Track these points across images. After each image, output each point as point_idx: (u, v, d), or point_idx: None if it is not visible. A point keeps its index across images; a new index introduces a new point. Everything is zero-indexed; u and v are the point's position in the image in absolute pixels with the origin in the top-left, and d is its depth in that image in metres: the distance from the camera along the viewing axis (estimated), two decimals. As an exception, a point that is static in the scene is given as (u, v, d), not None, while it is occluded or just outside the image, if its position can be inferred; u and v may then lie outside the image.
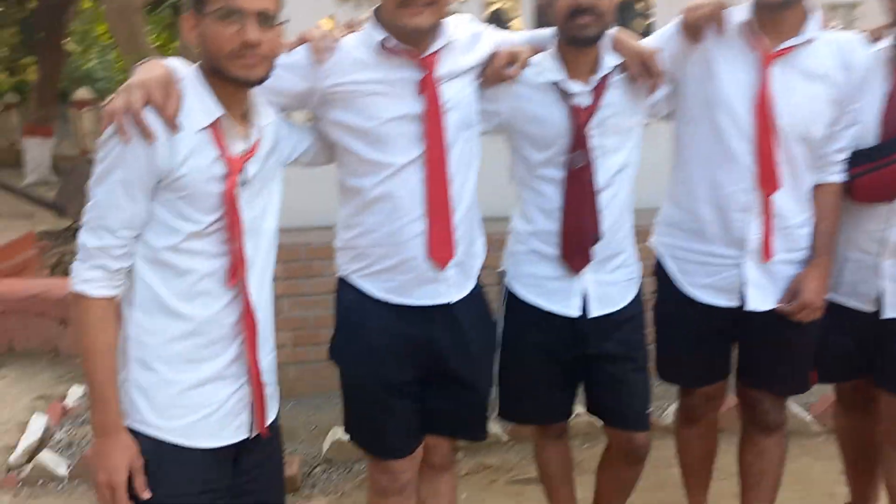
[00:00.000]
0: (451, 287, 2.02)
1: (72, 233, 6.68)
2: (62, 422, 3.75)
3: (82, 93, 13.17)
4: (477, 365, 2.11)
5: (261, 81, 1.65)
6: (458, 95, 1.99)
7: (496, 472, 3.22)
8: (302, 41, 1.94)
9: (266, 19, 1.60)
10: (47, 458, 3.37)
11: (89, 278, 1.58)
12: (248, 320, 1.68)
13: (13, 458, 3.43)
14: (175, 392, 1.64)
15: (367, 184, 1.96)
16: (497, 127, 2.16)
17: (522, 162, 2.17)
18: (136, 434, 1.62)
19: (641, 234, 2.32)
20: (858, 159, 2.17)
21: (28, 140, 12.42)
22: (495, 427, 3.34)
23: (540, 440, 2.40)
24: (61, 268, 6.32)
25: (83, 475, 3.22)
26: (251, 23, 1.57)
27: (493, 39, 2.12)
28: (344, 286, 2.08)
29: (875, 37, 2.26)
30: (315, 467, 3.29)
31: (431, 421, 2.11)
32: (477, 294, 2.12)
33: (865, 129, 2.17)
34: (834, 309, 2.28)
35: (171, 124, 1.56)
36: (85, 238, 1.59)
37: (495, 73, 2.08)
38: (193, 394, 1.65)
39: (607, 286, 2.17)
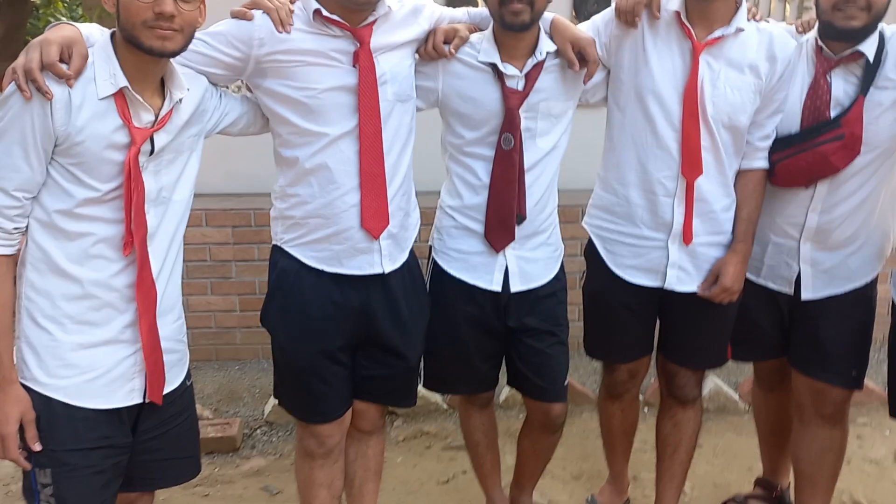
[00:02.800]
0: (384, 258, 2.07)
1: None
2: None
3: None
4: (408, 334, 2.17)
5: (175, 54, 1.66)
6: (394, 69, 2.02)
7: (433, 439, 3.31)
8: (254, 6, 1.94)
9: None
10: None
11: None
12: (144, 288, 1.70)
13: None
14: (63, 352, 1.67)
15: (301, 154, 1.99)
16: (432, 104, 2.20)
17: (453, 138, 2.21)
18: (28, 390, 1.66)
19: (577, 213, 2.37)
20: (780, 146, 2.25)
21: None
22: (435, 396, 3.43)
23: (465, 409, 2.49)
24: None
25: None
26: None
27: (434, 15, 2.15)
28: (278, 254, 2.11)
29: (803, 28, 2.33)
30: (256, 429, 3.36)
31: (361, 387, 2.18)
32: (410, 265, 2.17)
33: (789, 118, 2.24)
34: (755, 290, 2.38)
35: (68, 83, 1.56)
36: None
37: (433, 48, 2.11)
38: (82, 355, 1.68)
39: (528, 262, 2.23)
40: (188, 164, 1.80)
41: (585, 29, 2.25)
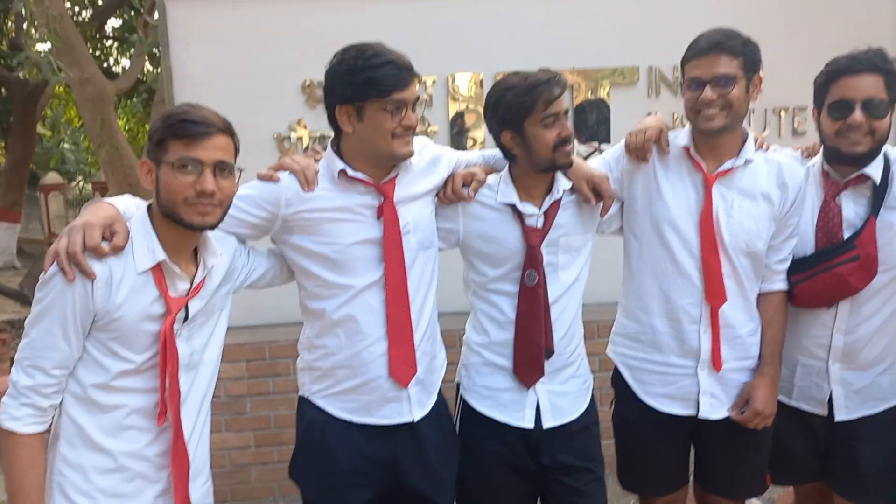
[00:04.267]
0: (413, 405, 2.06)
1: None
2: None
3: (52, 177, 13.20)
4: (438, 482, 2.12)
5: (214, 227, 1.71)
6: (417, 218, 2.07)
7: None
8: (281, 168, 2.01)
9: (222, 169, 1.67)
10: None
11: (19, 416, 1.59)
12: (177, 453, 1.69)
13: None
14: None
15: (328, 306, 2.01)
16: (453, 244, 2.24)
17: (477, 276, 2.23)
18: None
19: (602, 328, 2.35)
20: (798, 268, 2.28)
21: (-5, 225, 12.37)
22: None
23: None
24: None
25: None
26: (207, 173, 1.63)
27: (451, 161, 2.22)
28: (306, 406, 2.10)
29: (808, 153, 2.41)
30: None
31: None
32: (439, 408, 2.15)
33: (804, 240, 2.29)
34: (788, 412, 2.35)
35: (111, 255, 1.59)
36: (17, 376, 1.60)
37: (453, 193, 2.17)
38: None
39: (559, 397, 2.21)
40: (218, 323, 1.82)
41: (597, 165, 2.32)
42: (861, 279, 2.21)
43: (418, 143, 2.12)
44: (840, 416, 2.30)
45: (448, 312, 2.44)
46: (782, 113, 3.92)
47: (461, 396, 2.28)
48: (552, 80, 2.04)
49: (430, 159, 2.15)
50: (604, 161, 2.36)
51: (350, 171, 1.98)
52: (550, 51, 3.69)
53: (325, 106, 1.99)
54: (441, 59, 3.68)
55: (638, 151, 2.27)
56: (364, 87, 1.88)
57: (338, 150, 2.01)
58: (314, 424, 2.06)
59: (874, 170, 2.21)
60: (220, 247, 1.81)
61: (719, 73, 2.10)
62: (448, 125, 3.75)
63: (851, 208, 2.24)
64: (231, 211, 1.90)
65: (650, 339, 2.31)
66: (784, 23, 3.74)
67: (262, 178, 2.00)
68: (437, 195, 2.19)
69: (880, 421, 2.28)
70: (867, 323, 2.25)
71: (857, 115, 2.13)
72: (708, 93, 2.10)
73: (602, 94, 3.82)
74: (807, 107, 3.84)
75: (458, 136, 3.76)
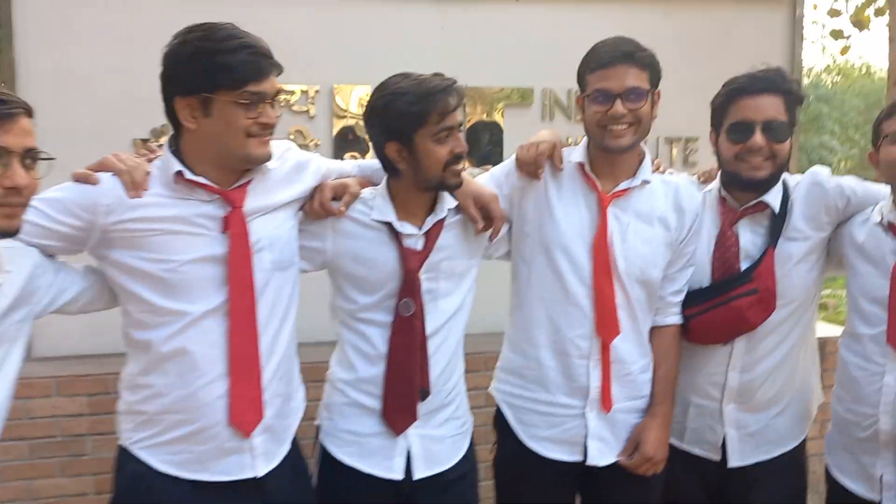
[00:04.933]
0: (257, 458, 1.73)
1: None
2: None
3: None
4: None
5: (16, 234, 1.38)
6: (273, 233, 1.77)
7: None
8: (102, 168, 1.66)
9: (33, 158, 1.34)
10: None
11: None
12: None
13: None
14: None
15: (157, 337, 1.66)
16: (319, 266, 1.95)
17: (345, 303, 1.94)
18: None
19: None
20: (693, 300, 2.12)
21: None
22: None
23: None
24: None
25: None
26: (16, 163, 1.31)
27: (321, 169, 1.94)
28: (125, 457, 1.73)
29: (705, 179, 2.27)
30: None
31: None
32: (292, 459, 1.84)
33: (700, 271, 2.13)
34: (680, 456, 2.17)
35: None
36: None
37: (320, 206, 1.88)
38: None
39: (434, 442, 1.94)
40: (9, 358, 1.45)
41: (486, 182, 2.09)
42: (758, 314, 2.07)
43: (280, 146, 1.83)
44: (734, 461, 2.14)
45: (311, 343, 2.15)
46: (674, 143, 3.87)
47: (320, 442, 1.97)
48: (449, 88, 1.79)
49: (293, 165, 1.86)
50: (492, 177, 2.13)
51: (189, 175, 1.65)
52: (443, 66, 3.44)
53: (163, 97, 1.66)
54: (325, 69, 3.43)
55: (529, 167, 2.06)
56: (213, 75, 1.58)
57: (176, 151, 1.68)
58: (134, 480, 1.69)
59: (773, 197, 2.09)
60: (13, 263, 1.45)
61: (631, 86, 1.92)
62: (331, 139, 3.48)
63: (749, 238, 2.11)
64: (35, 217, 1.53)
65: (536, 374, 2.08)
66: (679, 52, 3.69)
67: (77, 178, 1.64)
68: (301, 208, 1.90)
69: (775, 467, 2.14)
70: (764, 361, 2.11)
71: (758, 137, 2.00)
72: (619, 107, 1.92)
73: (495, 115, 3.64)
74: (699, 137, 3.85)
75: (341, 150, 3.49)
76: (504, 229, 2.09)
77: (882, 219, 2.00)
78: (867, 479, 2.02)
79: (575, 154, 2.08)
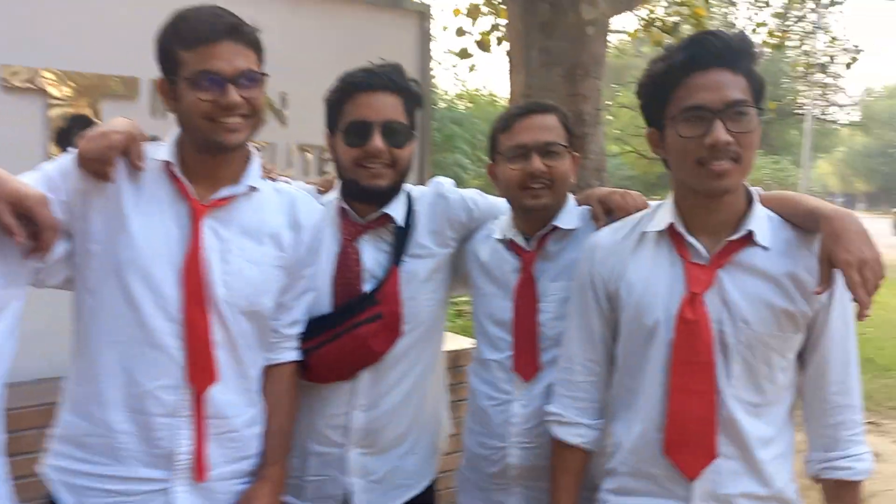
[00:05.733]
0: None
1: None
2: None
3: None
4: None
5: None
6: None
7: None
8: None
9: None
10: None
11: None
12: None
13: None
14: None
15: None
16: None
17: None
18: None
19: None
20: (313, 331, 1.80)
21: None
22: None
23: None
24: None
25: None
26: None
27: None
28: None
29: (325, 188, 1.97)
30: None
31: None
32: None
33: (320, 296, 1.82)
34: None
35: None
36: None
37: None
38: None
39: None
40: None
41: (35, 181, 1.52)
42: (383, 341, 1.82)
43: None
44: None
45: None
46: (309, 151, 3.57)
47: None
48: None
49: None
50: (44, 176, 1.56)
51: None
52: (30, 48, 2.78)
53: None
54: None
55: (96, 164, 1.54)
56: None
57: None
58: None
59: (396, 209, 1.85)
60: None
61: (242, 69, 1.58)
62: None
63: (373, 255, 1.85)
64: None
65: (104, 443, 1.56)
66: (314, 57, 3.40)
67: None
68: None
69: (406, 513, 1.90)
70: (391, 394, 1.87)
71: (377, 141, 1.75)
72: (234, 95, 1.55)
73: (89, 107, 2.98)
74: (333, 146, 3.61)
75: None
76: (62, 247, 1.55)
77: (503, 235, 1.88)
78: None
79: (162, 151, 1.62)
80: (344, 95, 1.79)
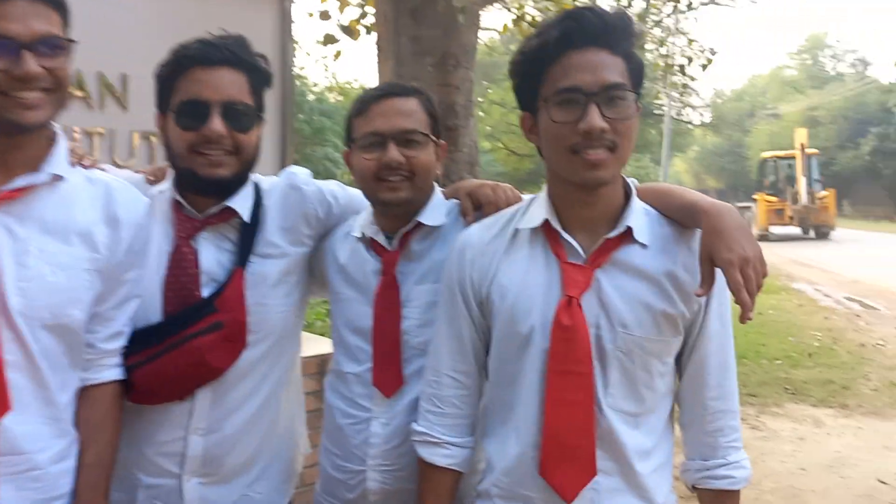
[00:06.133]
0: None
1: None
2: None
3: None
4: None
5: None
6: None
7: None
8: None
9: None
10: None
11: None
12: None
13: None
14: None
15: None
16: None
17: None
18: None
19: None
20: (139, 344, 1.55)
21: None
22: None
23: None
24: None
25: None
26: None
27: None
28: None
29: (155, 177, 1.69)
30: None
31: None
32: None
33: (148, 303, 1.56)
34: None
35: None
36: None
37: None
38: None
39: None
40: None
41: None
42: (224, 355, 1.58)
43: None
44: None
45: None
46: (153, 138, 3.23)
47: None
48: None
49: None
50: None
51: None
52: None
53: None
54: None
55: None
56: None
57: None
58: None
59: (241, 203, 1.62)
60: None
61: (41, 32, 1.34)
62: None
63: (213, 255, 1.61)
64: None
65: None
66: (159, 35, 3.04)
67: None
68: None
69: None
70: (236, 415, 1.63)
71: (216, 122, 1.52)
72: (31, 64, 1.31)
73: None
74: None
75: None
76: None
77: (363, 233, 1.68)
78: None
79: None
80: (177, 70, 1.54)
